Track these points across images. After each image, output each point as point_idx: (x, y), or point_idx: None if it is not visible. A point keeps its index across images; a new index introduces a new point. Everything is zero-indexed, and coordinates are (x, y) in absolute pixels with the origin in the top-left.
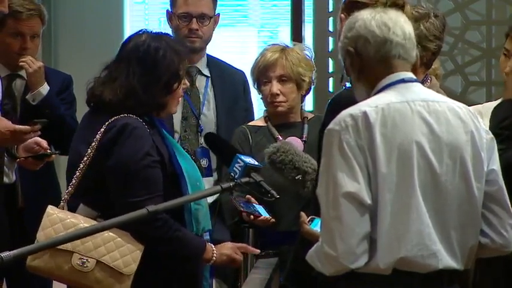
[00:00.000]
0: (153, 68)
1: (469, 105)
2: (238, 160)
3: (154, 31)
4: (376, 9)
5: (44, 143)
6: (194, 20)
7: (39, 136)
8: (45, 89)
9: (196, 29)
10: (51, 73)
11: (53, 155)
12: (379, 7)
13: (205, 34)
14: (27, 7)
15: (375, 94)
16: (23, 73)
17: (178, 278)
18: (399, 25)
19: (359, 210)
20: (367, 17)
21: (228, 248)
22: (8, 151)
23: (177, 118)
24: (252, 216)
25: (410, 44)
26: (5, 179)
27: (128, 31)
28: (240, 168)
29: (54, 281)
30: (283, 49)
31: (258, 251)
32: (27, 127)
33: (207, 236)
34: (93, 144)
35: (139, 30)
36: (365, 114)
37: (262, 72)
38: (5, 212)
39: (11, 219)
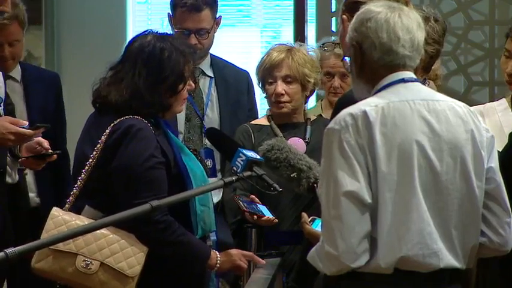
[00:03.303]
0: (158, 69)
1: (471, 105)
2: (240, 154)
3: (159, 31)
4: (393, 5)
5: (46, 143)
6: (192, 35)
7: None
8: None
9: (196, 43)
10: (35, 71)
11: (54, 155)
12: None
13: (206, 44)
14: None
15: (375, 93)
16: (13, 74)
17: (184, 280)
18: (411, 34)
19: (359, 209)
20: (380, 18)
21: (233, 255)
22: (11, 151)
23: (180, 119)
24: (255, 216)
25: (416, 53)
26: (8, 179)
27: (131, 31)
28: (242, 162)
29: None
30: (290, 49)
31: (264, 262)
32: (31, 131)
33: (213, 237)
34: (98, 145)
35: (145, 31)
36: (365, 114)
37: (268, 71)
38: (9, 212)
39: (16, 219)
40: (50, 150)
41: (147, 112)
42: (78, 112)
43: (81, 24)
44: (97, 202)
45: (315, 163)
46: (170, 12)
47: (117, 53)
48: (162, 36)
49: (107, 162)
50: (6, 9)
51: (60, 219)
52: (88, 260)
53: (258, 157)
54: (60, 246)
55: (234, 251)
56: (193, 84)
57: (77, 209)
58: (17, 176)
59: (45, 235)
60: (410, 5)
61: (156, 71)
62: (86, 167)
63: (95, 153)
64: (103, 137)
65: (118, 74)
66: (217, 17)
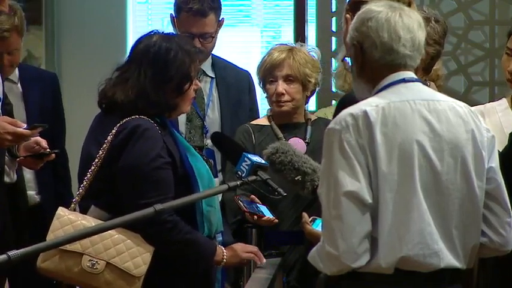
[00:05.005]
0: (164, 69)
1: (472, 105)
2: (245, 159)
3: (165, 32)
4: (393, 5)
5: (44, 142)
6: (196, 39)
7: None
8: None
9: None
10: (32, 71)
11: (53, 154)
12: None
13: (208, 48)
14: (1, 27)
15: (376, 93)
16: (10, 76)
17: (190, 280)
18: (412, 33)
19: (360, 209)
20: (381, 18)
21: (237, 250)
22: (9, 150)
23: (181, 119)
24: (255, 217)
25: (417, 53)
26: (6, 179)
27: (131, 31)
28: (247, 167)
29: None
30: (291, 49)
31: (264, 260)
32: (28, 131)
33: (219, 237)
34: (104, 145)
35: (151, 31)
36: (365, 114)
37: (269, 71)
38: (9, 212)
39: (16, 218)
40: (48, 150)
41: (153, 112)
42: (78, 112)
43: (81, 24)
44: (103, 202)
45: (319, 166)
46: (174, 14)
47: (117, 53)
48: (168, 36)
49: (113, 162)
50: (4, 9)
51: (66, 219)
52: (94, 259)
53: (263, 161)
54: (66, 246)
55: (238, 246)
56: (199, 84)
57: (82, 209)
58: (15, 176)
59: (51, 235)
60: (413, 5)
61: (161, 71)
62: (92, 167)
63: (101, 153)
64: (109, 137)
65: (124, 75)
66: (220, 19)
